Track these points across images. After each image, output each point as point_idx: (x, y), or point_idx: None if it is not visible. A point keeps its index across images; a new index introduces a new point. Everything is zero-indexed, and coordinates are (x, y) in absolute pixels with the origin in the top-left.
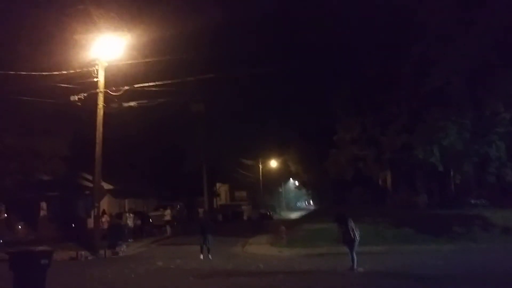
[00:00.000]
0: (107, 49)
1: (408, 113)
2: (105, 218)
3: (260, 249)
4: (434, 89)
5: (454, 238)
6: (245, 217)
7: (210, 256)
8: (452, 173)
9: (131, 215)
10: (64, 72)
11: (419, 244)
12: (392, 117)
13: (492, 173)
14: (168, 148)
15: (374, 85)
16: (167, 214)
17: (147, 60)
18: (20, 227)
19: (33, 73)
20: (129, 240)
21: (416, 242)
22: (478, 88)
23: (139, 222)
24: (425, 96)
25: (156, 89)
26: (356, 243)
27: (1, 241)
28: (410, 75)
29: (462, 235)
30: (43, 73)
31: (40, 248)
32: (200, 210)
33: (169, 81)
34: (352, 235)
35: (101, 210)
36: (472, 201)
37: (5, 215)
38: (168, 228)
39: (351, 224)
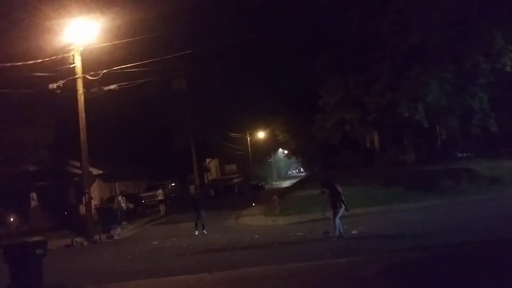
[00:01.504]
0: (81, 33)
1: (390, 71)
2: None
3: (254, 220)
4: (415, 45)
5: (443, 192)
6: (236, 190)
7: (205, 231)
8: (437, 128)
9: (123, 198)
10: (39, 60)
11: (409, 201)
12: (374, 77)
13: (477, 125)
14: (155, 127)
15: (354, 45)
16: (159, 194)
17: (123, 41)
18: (11, 219)
19: (7, 64)
20: (123, 222)
21: (406, 199)
22: (457, 41)
23: (131, 204)
24: (406, 52)
25: (136, 69)
26: (341, 209)
27: None
28: (390, 33)
29: (451, 188)
30: (18, 63)
31: (34, 238)
32: (191, 187)
33: (148, 61)
34: (338, 197)
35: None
36: (459, 155)
37: None
38: (161, 208)
39: (338, 188)
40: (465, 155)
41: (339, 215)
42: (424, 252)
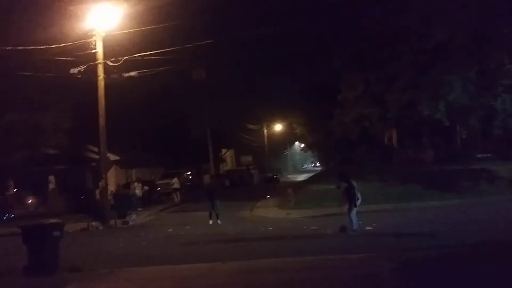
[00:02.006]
0: (104, 19)
1: (413, 68)
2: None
3: (268, 212)
4: (438, 43)
5: (461, 192)
6: (251, 182)
7: (219, 221)
8: (458, 127)
9: (139, 184)
10: (62, 44)
11: (426, 200)
12: (396, 73)
13: (498, 126)
14: (172, 116)
15: (377, 40)
16: (175, 182)
17: (145, 28)
18: (30, 201)
19: (30, 47)
20: (139, 209)
21: (423, 198)
22: (482, 40)
23: (147, 190)
24: (429, 50)
25: (157, 57)
26: (358, 202)
27: (12, 215)
28: (414, 29)
29: (469, 189)
30: (40, 47)
31: (52, 220)
32: (206, 176)
33: (169, 49)
34: (353, 192)
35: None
36: (479, 155)
37: (14, 190)
38: (176, 196)
39: (354, 183)
40: (485, 155)
41: (355, 209)
42: (438, 251)
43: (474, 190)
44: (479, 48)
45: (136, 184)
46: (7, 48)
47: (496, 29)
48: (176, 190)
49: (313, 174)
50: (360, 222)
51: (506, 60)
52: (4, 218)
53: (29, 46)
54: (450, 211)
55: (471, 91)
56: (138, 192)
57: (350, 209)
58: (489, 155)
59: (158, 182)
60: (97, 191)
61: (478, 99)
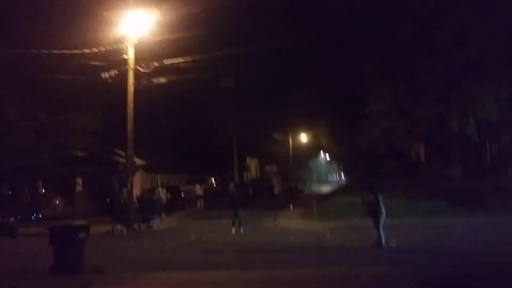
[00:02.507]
0: (136, 26)
1: (443, 82)
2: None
3: (291, 223)
4: (470, 58)
5: (489, 210)
6: (275, 191)
7: (241, 229)
8: (488, 144)
9: (163, 189)
10: (95, 50)
11: (452, 216)
12: (425, 87)
13: None
14: (199, 122)
15: (406, 53)
16: (199, 189)
17: (176, 36)
18: (57, 202)
19: (64, 51)
20: (162, 214)
21: (449, 214)
22: None
23: (168, 193)
24: (460, 65)
25: (185, 65)
26: (383, 218)
27: (40, 215)
28: (445, 43)
29: (498, 207)
30: (74, 51)
31: (78, 222)
32: (231, 184)
33: (198, 57)
34: (378, 206)
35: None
36: (510, 172)
37: (43, 190)
38: (200, 202)
39: (379, 197)
40: None
41: (382, 224)
42: (463, 269)
43: (504, 209)
44: (511, 64)
45: (161, 189)
46: (43, 51)
47: None
48: (200, 196)
49: (337, 186)
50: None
51: None
52: (32, 218)
53: (63, 50)
54: (477, 228)
55: (503, 107)
56: (162, 197)
57: (377, 224)
58: None
59: (182, 188)
60: (123, 195)
61: (510, 115)
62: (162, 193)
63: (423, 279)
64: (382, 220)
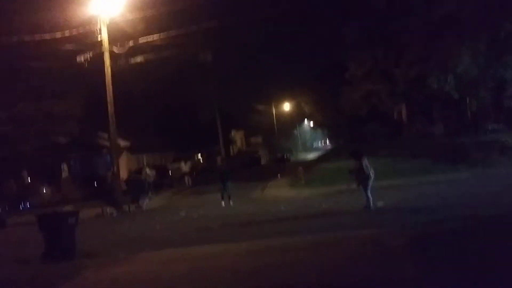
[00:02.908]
0: (107, 5)
1: (421, 42)
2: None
3: (279, 192)
4: (446, 14)
5: (472, 165)
6: (262, 162)
7: (231, 202)
8: (468, 100)
9: (150, 169)
10: (67, 33)
11: (436, 174)
12: (404, 48)
13: (509, 96)
14: (181, 100)
15: (384, 15)
16: (186, 166)
17: (149, 13)
18: (44, 190)
19: (35, 36)
20: (150, 194)
21: (433, 172)
22: (491, 10)
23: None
24: (437, 22)
25: (162, 42)
26: (371, 181)
27: (28, 205)
28: (422, 1)
29: (480, 161)
30: (45, 36)
31: (66, 208)
32: (218, 158)
33: (174, 33)
34: (366, 172)
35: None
36: (490, 127)
37: (29, 179)
38: (188, 179)
39: (366, 161)
40: (496, 127)
41: (369, 187)
42: (450, 224)
43: (486, 162)
44: (488, 18)
45: (147, 169)
46: (13, 39)
47: None
48: (187, 173)
49: (323, 152)
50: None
51: None
52: (21, 208)
53: (33, 35)
54: (461, 184)
55: (481, 62)
56: (149, 176)
57: (365, 188)
58: (501, 126)
59: (169, 166)
60: (109, 177)
61: (488, 70)
62: (150, 172)
63: (412, 237)
64: (370, 182)
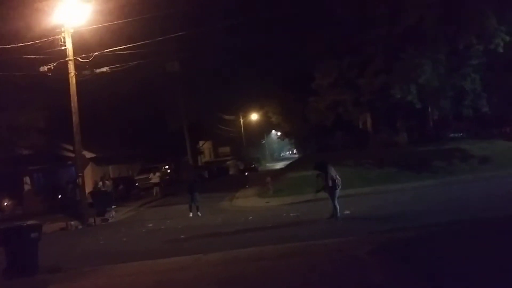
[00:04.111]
0: (72, 14)
1: (384, 53)
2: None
3: (248, 202)
4: (409, 27)
5: (435, 172)
6: (230, 172)
7: (199, 213)
8: (429, 109)
9: (109, 181)
10: (30, 42)
11: (402, 182)
12: (368, 59)
13: (468, 105)
14: (149, 110)
15: (348, 26)
16: (153, 177)
17: (115, 22)
18: (6, 203)
19: None
20: (113, 206)
21: (399, 180)
22: (450, 22)
23: (121, 187)
24: (400, 34)
25: (129, 52)
26: (337, 190)
27: None
28: (385, 14)
29: (443, 168)
30: (7, 46)
31: (29, 222)
32: (185, 169)
33: (140, 43)
34: (331, 183)
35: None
36: (451, 135)
37: None
38: (156, 190)
39: (331, 171)
40: (456, 135)
41: (336, 197)
42: (415, 232)
43: (448, 170)
44: (447, 30)
45: (105, 181)
46: None
47: (463, 10)
48: (155, 184)
49: (290, 161)
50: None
51: (474, 40)
52: None
53: None
54: (425, 191)
55: (441, 72)
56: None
57: (333, 197)
58: (461, 134)
59: (136, 177)
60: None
61: (448, 80)
62: (109, 184)
63: (378, 245)
64: (338, 192)
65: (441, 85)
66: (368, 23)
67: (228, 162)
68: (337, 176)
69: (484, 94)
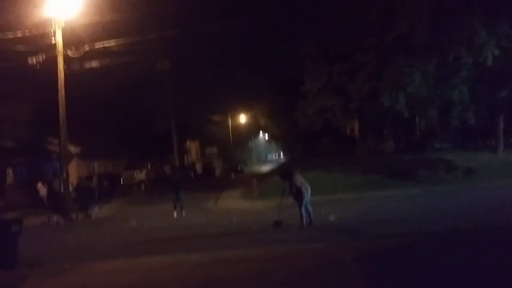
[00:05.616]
0: (63, 7)
1: (375, 61)
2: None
3: (233, 203)
4: (399, 36)
5: (420, 181)
6: (216, 173)
7: (183, 213)
8: (417, 119)
9: (94, 177)
10: (20, 34)
11: (387, 189)
12: (358, 66)
13: (456, 117)
14: (137, 108)
15: (340, 33)
16: (139, 174)
17: (107, 18)
18: None
19: None
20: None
21: (384, 187)
22: (441, 33)
23: (106, 183)
24: (391, 43)
25: (119, 49)
26: (305, 198)
27: None
28: (376, 23)
29: (428, 178)
30: None
31: (10, 215)
32: (166, 167)
33: (131, 39)
34: (294, 190)
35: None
36: (437, 145)
37: None
38: (140, 188)
39: (295, 179)
40: (442, 145)
41: (303, 205)
42: (399, 239)
43: (433, 179)
44: (437, 41)
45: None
46: None
47: (454, 22)
48: (140, 182)
49: (277, 165)
50: (323, 213)
51: (464, 52)
52: None
53: None
54: (410, 200)
55: (430, 83)
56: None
57: (300, 205)
58: (447, 145)
59: (122, 175)
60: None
61: (436, 90)
62: (93, 181)
63: (362, 251)
64: (306, 199)
65: (429, 95)
66: (360, 31)
67: (214, 163)
68: (304, 184)
69: (472, 106)
